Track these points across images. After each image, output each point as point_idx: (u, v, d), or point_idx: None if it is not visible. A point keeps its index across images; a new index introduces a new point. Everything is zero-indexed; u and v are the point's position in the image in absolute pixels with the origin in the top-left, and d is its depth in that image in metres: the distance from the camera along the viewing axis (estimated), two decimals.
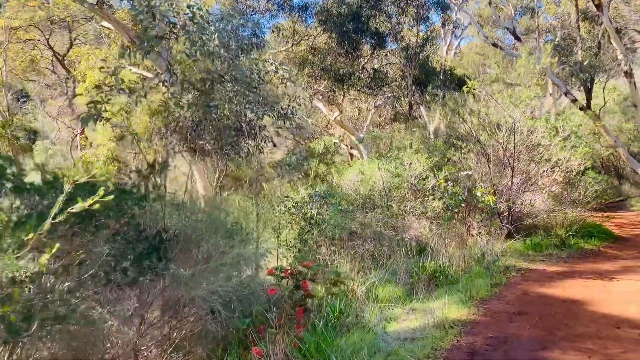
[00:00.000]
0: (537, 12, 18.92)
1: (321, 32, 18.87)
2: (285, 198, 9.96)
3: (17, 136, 17.33)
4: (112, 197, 3.25)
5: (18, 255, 3.03)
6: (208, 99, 7.30)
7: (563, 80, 16.05)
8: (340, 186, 12.74)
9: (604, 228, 10.47)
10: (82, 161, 13.57)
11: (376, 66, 20.40)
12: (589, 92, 15.98)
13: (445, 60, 23.46)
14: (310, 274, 4.58)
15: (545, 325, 5.11)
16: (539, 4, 19.58)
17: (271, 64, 8.09)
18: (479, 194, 9.34)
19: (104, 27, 14.36)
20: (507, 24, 14.83)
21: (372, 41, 19.22)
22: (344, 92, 19.85)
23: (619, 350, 4.38)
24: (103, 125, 6.81)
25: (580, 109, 13.79)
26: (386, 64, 21.03)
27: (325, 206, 10.23)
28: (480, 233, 9.22)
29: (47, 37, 17.70)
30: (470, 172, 10.87)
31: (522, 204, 10.02)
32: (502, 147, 10.12)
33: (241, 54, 9.33)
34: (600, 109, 15.55)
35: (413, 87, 19.46)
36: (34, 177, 3.46)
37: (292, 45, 19.31)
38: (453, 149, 11.41)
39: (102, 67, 9.94)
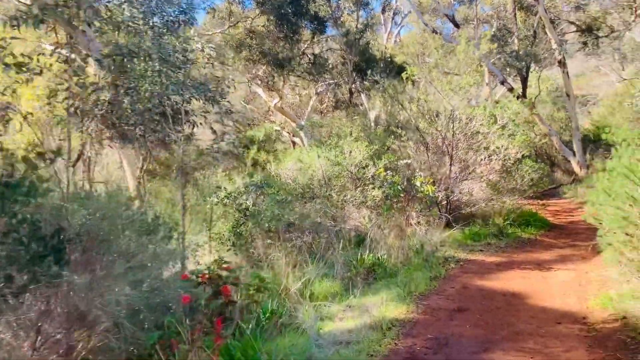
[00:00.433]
0: (475, 1, 19.06)
1: (259, 15, 18.13)
2: (217, 188, 9.34)
3: None
4: None
5: None
6: (117, 78, 6.53)
7: (500, 70, 16.25)
8: (278, 175, 12.26)
9: (540, 216, 10.55)
10: None
11: (317, 51, 19.94)
12: (524, 81, 16.27)
13: (386, 48, 23.31)
14: (233, 278, 4.04)
15: (486, 322, 4.84)
16: None
17: (197, 41, 7.39)
18: (418, 183, 9.10)
19: None
20: (446, 10, 14.73)
21: (312, 25, 18.73)
22: (284, 78, 19.26)
23: (561, 349, 4.16)
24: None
25: (517, 97, 13.94)
26: (327, 50, 20.64)
27: (262, 197, 9.73)
28: (419, 223, 9.01)
29: None
30: (409, 161, 10.64)
31: (460, 192, 9.89)
32: (441, 135, 9.93)
33: (167, 31, 8.55)
34: (535, 98, 15.85)
35: (354, 74, 19.16)
36: None
37: (228, 28, 18.43)
38: (393, 137, 11.16)
39: None
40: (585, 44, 16.94)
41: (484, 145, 10.15)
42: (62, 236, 4.00)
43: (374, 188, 9.55)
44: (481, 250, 8.27)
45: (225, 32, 18.59)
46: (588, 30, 16.42)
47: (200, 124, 8.16)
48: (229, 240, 8.88)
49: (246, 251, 8.65)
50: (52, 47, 7.05)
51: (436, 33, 16.30)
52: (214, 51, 7.47)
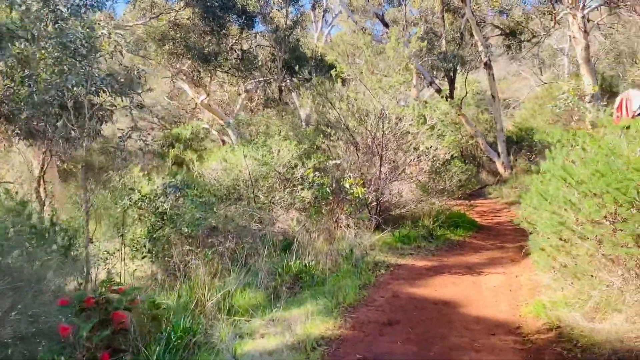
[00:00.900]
0: (404, 2, 19.16)
1: (184, 7, 17.17)
2: (130, 190, 8.50)
3: None
4: None
5: None
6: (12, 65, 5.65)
7: (428, 71, 16.36)
8: (202, 175, 11.53)
9: (468, 217, 10.53)
10: None
11: (246, 48, 19.24)
12: (452, 83, 16.49)
13: (317, 47, 23.00)
14: (127, 301, 3.39)
15: (418, 337, 4.48)
16: None
17: (103, 27, 6.56)
18: (347, 185, 8.74)
19: None
20: (376, 10, 14.58)
21: (240, 20, 18.04)
22: (210, 74, 18.38)
23: None
24: None
25: (445, 98, 14.03)
26: (256, 46, 19.99)
27: (182, 199, 9.00)
28: (349, 226, 8.65)
29: None
30: (339, 161, 10.29)
31: (390, 193, 9.65)
32: (371, 135, 9.65)
33: (70, 15, 7.61)
34: (461, 100, 16.08)
35: (284, 72, 18.65)
36: None
37: (150, 19, 17.28)
38: (322, 136, 10.77)
39: None
40: (509, 47, 17.51)
41: (413, 145, 9.99)
42: None
43: (303, 189, 9.12)
44: (411, 254, 8.02)
45: (148, 24, 17.44)
46: (512, 34, 16.98)
47: (117, 120, 7.33)
48: (144, 246, 8.10)
49: (163, 259, 7.94)
50: None
51: (365, 31, 16.17)
52: (122, 38, 6.64)
